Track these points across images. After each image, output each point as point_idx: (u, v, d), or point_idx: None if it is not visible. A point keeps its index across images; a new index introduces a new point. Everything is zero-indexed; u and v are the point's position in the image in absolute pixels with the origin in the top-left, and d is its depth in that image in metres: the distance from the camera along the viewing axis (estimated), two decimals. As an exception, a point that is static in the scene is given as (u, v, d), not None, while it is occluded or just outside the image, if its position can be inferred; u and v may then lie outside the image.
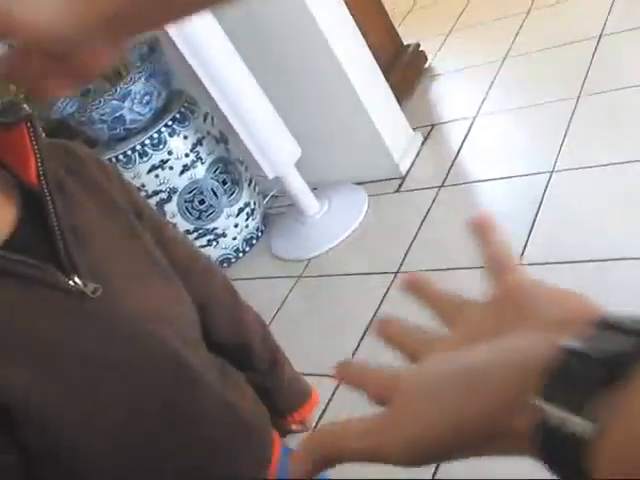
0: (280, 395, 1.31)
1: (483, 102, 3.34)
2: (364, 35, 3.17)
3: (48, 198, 0.93)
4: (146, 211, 1.13)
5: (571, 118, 2.93)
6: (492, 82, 3.44)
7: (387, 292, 2.67)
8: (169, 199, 3.03)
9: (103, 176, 1.06)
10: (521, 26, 3.71)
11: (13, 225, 0.92)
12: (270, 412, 1.25)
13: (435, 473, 2.03)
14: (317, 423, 2.36)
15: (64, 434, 0.92)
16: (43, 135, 0.98)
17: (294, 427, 1.37)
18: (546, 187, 2.69)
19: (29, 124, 0.93)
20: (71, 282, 0.91)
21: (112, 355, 0.95)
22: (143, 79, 2.92)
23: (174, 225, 3.11)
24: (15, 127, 0.93)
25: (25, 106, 0.93)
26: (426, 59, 3.87)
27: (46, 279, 0.90)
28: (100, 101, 2.89)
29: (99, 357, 0.94)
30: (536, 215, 2.60)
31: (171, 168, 2.99)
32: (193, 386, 1.04)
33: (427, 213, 2.91)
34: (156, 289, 1.05)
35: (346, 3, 3.09)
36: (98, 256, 0.97)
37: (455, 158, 3.11)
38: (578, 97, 3.01)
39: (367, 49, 3.17)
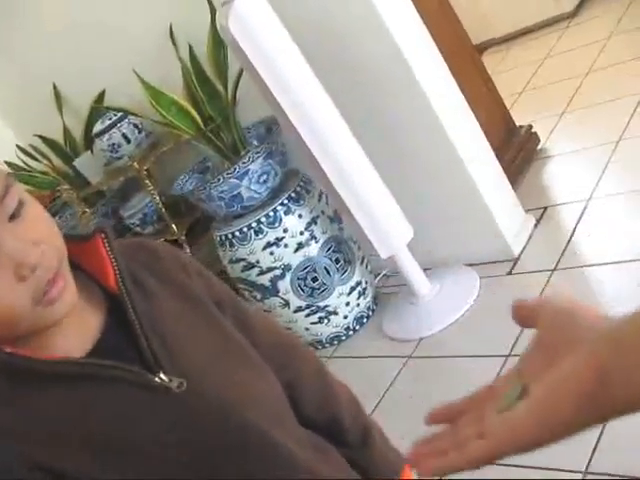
0: (374, 467, 1.31)
1: (597, 185, 3.32)
2: (476, 116, 3.20)
3: (128, 303, 0.99)
4: (226, 298, 1.17)
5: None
6: (606, 165, 3.41)
7: (498, 375, 2.64)
8: (283, 276, 3.09)
9: (180, 270, 1.12)
10: (635, 108, 3.68)
11: (100, 331, 0.98)
12: None
13: None
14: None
15: None
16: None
17: None
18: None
19: (103, 234, 1.01)
20: (157, 379, 0.96)
21: (203, 445, 0.97)
22: (261, 159, 3.01)
23: (286, 303, 3.16)
24: (92, 238, 1.01)
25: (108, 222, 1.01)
26: (539, 141, 3.87)
27: (134, 379, 0.95)
28: (219, 179, 2.99)
29: (191, 449, 0.96)
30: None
31: (286, 246, 3.05)
32: (285, 466, 1.05)
33: (539, 295, 2.89)
34: (238, 372, 1.07)
35: (459, 85, 3.13)
36: (180, 350, 1.01)
37: (568, 241, 3.09)
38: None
39: (479, 130, 3.19)
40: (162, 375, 0.96)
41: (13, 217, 0.88)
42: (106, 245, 1.00)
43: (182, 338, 1.04)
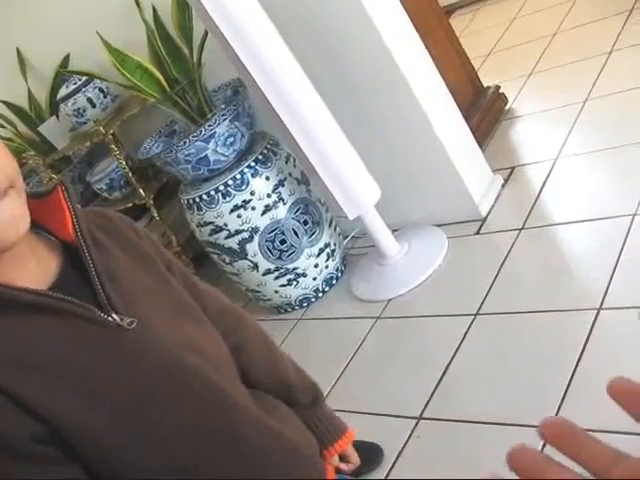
0: (321, 428, 1.40)
1: (564, 144, 3.33)
2: (444, 78, 3.19)
3: (85, 248, 1.07)
4: (175, 264, 1.27)
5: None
6: (573, 124, 3.43)
7: (466, 334, 2.67)
8: (251, 239, 3.08)
9: (134, 234, 1.21)
10: (602, 68, 3.69)
11: (57, 273, 1.07)
12: None
13: None
14: (389, 471, 2.37)
15: (112, 453, 1.03)
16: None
17: (342, 466, 1.45)
18: (628, 230, 2.66)
19: (63, 186, 1.09)
20: (110, 318, 1.05)
21: (149, 381, 1.06)
22: (227, 121, 2.99)
23: (254, 265, 3.16)
24: (51, 194, 1.09)
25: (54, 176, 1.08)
26: (506, 101, 3.87)
27: (88, 316, 1.03)
28: (185, 142, 2.96)
29: (137, 383, 1.05)
30: (618, 258, 2.57)
31: (253, 208, 3.04)
32: (229, 410, 1.15)
33: (507, 255, 2.90)
34: (188, 327, 1.17)
35: (427, 47, 3.12)
36: (132, 297, 1.11)
37: (535, 201, 3.10)
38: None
39: (447, 91, 3.19)
40: (114, 315, 1.05)
41: None
42: (65, 196, 1.08)
43: (135, 288, 1.13)
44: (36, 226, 1.07)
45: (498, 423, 2.28)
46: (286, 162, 3.17)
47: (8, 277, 1.01)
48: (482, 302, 2.75)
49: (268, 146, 3.15)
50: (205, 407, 1.11)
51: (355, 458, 1.47)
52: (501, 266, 2.87)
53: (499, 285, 2.79)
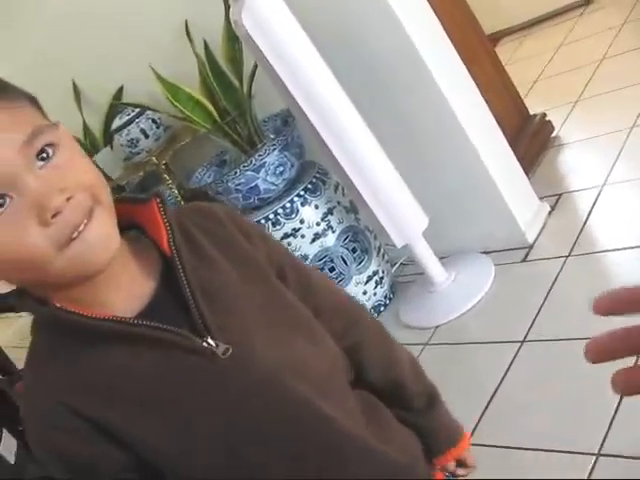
0: (436, 433, 1.33)
1: (610, 172, 3.34)
2: (490, 105, 3.23)
3: (179, 265, 1.01)
4: (289, 263, 1.19)
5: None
6: (620, 151, 3.43)
7: (513, 361, 2.68)
8: (300, 266, 3.13)
9: (242, 235, 1.12)
10: (649, 94, 3.70)
11: (151, 293, 1.02)
12: (426, 450, 1.30)
13: None
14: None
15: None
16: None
17: (459, 472, 1.39)
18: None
19: (158, 198, 1.03)
20: (204, 344, 0.99)
21: (243, 411, 1.01)
22: (277, 151, 3.05)
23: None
24: (148, 201, 1.03)
25: (163, 185, 1.07)
26: (553, 129, 3.89)
27: (181, 342, 0.98)
28: (236, 172, 3.03)
29: (230, 413, 1.01)
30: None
31: (302, 236, 3.10)
32: (333, 436, 1.08)
33: (554, 283, 2.91)
34: (292, 343, 1.09)
35: (472, 75, 3.16)
36: (231, 316, 1.04)
37: (582, 228, 3.11)
38: None
39: (493, 120, 3.22)
40: (209, 340, 0.99)
41: (44, 159, 0.89)
42: (160, 209, 1.02)
43: (235, 304, 1.06)
44: (135, 228, 1.04)
45: (544, 449, 2.29)
46: (335, 191, 3.22)
47: (99, 299, 0.98)
48: (529, 329, 2.77)
49: (317, 175, 3.21)
50: (304, 436, 1.06)
51: (471, 461, 1.39)
52: (548, 293, 2.88)
53: (546, 312, 2.81)
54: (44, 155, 0.88)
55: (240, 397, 1.01)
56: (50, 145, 0.89)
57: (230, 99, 3.18)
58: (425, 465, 1.29)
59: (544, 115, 3.88)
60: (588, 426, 2.26)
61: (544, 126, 3.84)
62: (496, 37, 5.51)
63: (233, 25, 2.89)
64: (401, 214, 2.96)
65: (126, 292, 1.00)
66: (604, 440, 2.17)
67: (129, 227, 1.04)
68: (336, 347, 1.18)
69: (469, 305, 3.07)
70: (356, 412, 1.16)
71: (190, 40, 3.25)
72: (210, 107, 3.16)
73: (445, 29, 3.07)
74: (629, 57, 4.19)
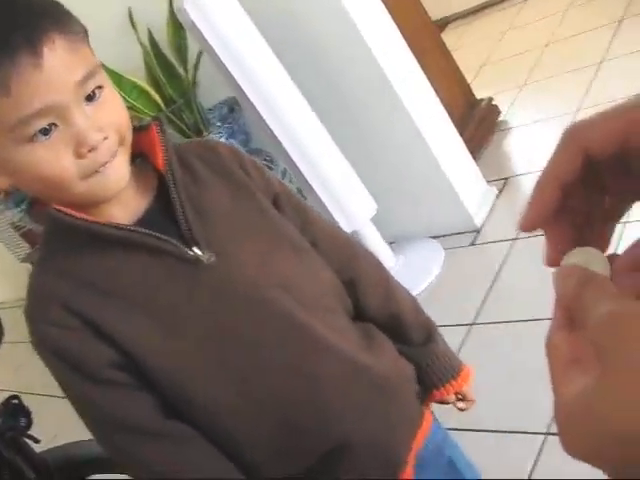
0: (435, 366, 1.35)
1: (556, 154, 3.37)
2: (436, 90, 3.24)
3: (171, 180, 1.10)
4: (288, 198, 1.26)
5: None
6: (565, 134, 3.46)
7: (463, 344, 2.70)
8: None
9: (238, 166, 1.21)
10: (593, 78, 3.74)
11: (147, 206, 1.11)
12: (424, 384, 1.34)
13: None
14: None
15: (185, 383, 1.08)
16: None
17: (460, 405, 1.43)
18: (621, 235, 2.69)
19: (157, 122, 1.13)
20: (190, 252, 1.08)
21: (225, 316, 1.09)
22: (223, 139, 3.04)
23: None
24: (147, 129, 1.12)
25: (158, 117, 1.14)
26: (499, 113, 3.91)
27: (168, 249, 1.07)
28: (182, 161, 3.01)
29: (213, 318, 1.09)
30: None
31: (250, 224, 3.08)
32: (314, 349, 1.14)
33: (502, 265, 2.94)
34: (280, 262, 1.17)
35: (418, 60, 3.17)
36: (222, 231, 1.13)
37: (529, 210, 3.14)
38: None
39: (440, 105, 3.23)
40: (195, 249, 1.09)
41: (90, 99, 0.99)
42: (158, 131, 1.12)
43: (226, 222, 1.15)
44: (138, 155, 1.12)
45: (498, 431, 2.31)
46: (282, 178, 3.21)
47: (104, 210, 1.07)
48: (478, 312, 2.79)
49: (264, 162, 3.19)
50: (285, 346, 1.12)
51: (471, 395, 1.43)
52: (496, 276, 2.90)
53: (495, 295, 2.83)
54: (91, 95, 0.99)
55: (225, 303, 1.09)
56: (98, 88, 1.00)
57: (175, 87, 3.16)
58: (415, 391, 1.32)
59: (490, 99, 3.90)
60: (537, 406, 2.29)
61: (490, 110, 3.87)
62: (443, 23, 5.54)
63: (177, 13, 2.87)
64: (349, 200, 2.96)
65: (123, 205, 1.09)
66: (552, 420, 2.20)
67: (134, 154, 1.11)
68: (331, 274, 1.25)
69: (419, 289, 3.08)
70: (349, 333, 1.22)
71: (134, 28, 3.22)
72: (155, 95, 3.14)
73: (392, 16, 3.08)
74: (574, 41, 4.22)
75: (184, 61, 3.12)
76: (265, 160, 3.20)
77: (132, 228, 1.07)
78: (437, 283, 3.09)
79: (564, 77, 3.97)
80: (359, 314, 1.28)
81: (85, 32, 1.04)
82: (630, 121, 0.46)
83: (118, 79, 3.13)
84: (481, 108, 3.83)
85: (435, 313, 2.89)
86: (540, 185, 0.51)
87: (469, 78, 4.02)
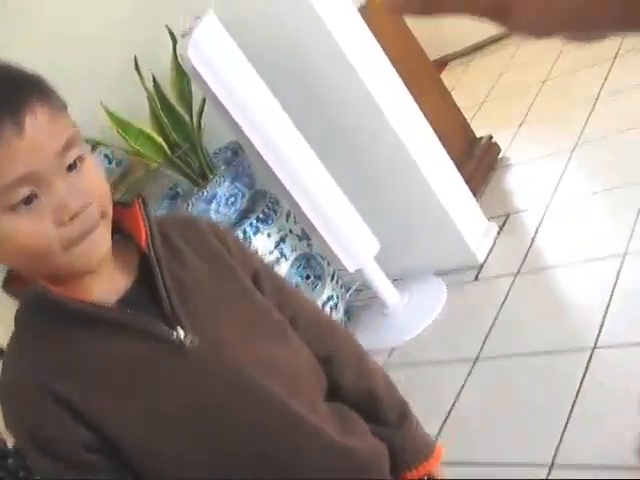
0: (408, 448, 1.34)
1: (555, 190, 3.42)
2: (436, 129, 3.30)
3: (154, 259, 1.10)
4: (267, 275, 1.27)
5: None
6: (564, 170, 3.52)
7: (467, 379, 2.74)
8: (255, 295, 3.15)
9: (220, 244, 1.21)
10: (589, 114, 3.80)
11: (129, 284, 1.10)
12: (397, 465, 1.32)
13: None
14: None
15: (156, 466, 1.06)
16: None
17: None
18: (619, 270, 2.74)
19: (141, 199, 1.13)
20: (174, 333, 1.07)
21: (206, 398, 1.08)
22: (228, 182, 3.09)
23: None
24: (132, 204, 1.13)
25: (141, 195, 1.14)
26: (499, 150, 3.97)
27: (150, 330, 1.06)
28: (188, 204, 3.06)
29: (194, 399, 1.07)
30: (610, 297, 2.65)
31: (256, 266, 3.12)
32: (294, 430, 1.13)
33: (504, 300, 2.98)
34: (261, 341, 1.16)
35: (417, 100, 3.23)
36: (204, 311, 1.12)
37: (530, 246, 3.19)
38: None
39: (439, 144, 3.29)
40: (179, 330, 1.08)
41: (70, 168, 1.00)
42: (141, 208, 1.12)
43: (207, 302, 1.14)
44: (119, 232, 1.11)
45: (502, 464, 2.34)
46: (287, 219, 3.26)
47: (84, 287, 1.06)
48: (482, 347, 2.83)
49: (269, 204, 3.24)
50: (266, 427, 1.11)
51: (441, 476, 1.41)
52: (499, 311, 2.94)
53: (498, 330, 2.86)
54: (72, 165, 1.00)
55: (206, 385, 1.08)
56: (79, 158, 1.01)
57: (180, 132, 3.22)
58: (388, 471, 1.31)
59: (490, 137, 3.96)
60: (541, 438, 2.32)
61: (490, 148, 3.92)
62: (443, 61, 5.62)
63: (180, 60, 2.94)
64: (352, 240, 3.00)
65: (105, 284, 1.08)
66: (556, 451, 2.23)
67: (116, 229, 1.10)
68: (309, 353, 1.23)
69: (423, 326, 3.12)
70: (327, 415, 1.20)
71: (139, 76, 3.29)
72: (161, 141, 3.20)
73: (389, 57, 3.15)
74: (571, 77, 4.29)
75: (188, 107, 3.18)
76: (270, 202, 3.25)
77: (112, 307, 1.06)
78: (441, 320, 3.12)
79: (562, 113, 4.04)
80: (334, 392, 1.27)
81: (65, 106, 1.06)
82: None
83: (124, 126, 3.19)
84: (481, 146, 3.88)
85: (440, 349, 2.97)
86: None
87: (469, 116, 4.09)
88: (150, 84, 3.25)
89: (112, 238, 1.07)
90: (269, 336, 1.18)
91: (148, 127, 3.23)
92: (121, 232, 1.13)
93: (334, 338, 1.33)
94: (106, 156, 3.76)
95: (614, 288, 2.68)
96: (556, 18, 0.47)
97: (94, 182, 1.03)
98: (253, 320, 1.18)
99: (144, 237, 1.11)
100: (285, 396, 1.12)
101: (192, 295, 1.12)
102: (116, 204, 1.09)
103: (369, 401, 1.32)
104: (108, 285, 1.08)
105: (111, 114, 3.23)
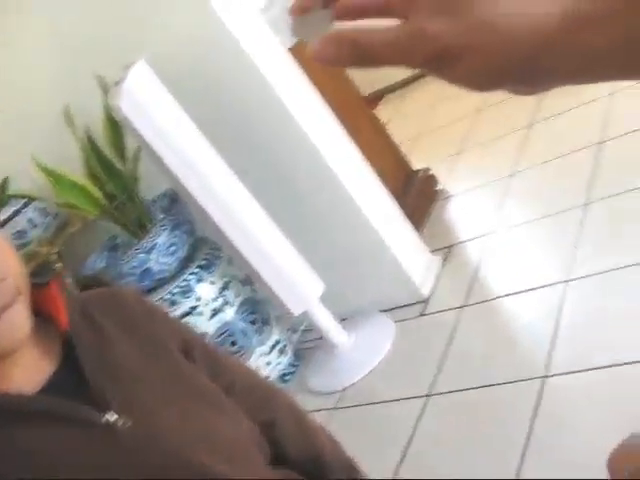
0: None
1: (496, 219, 3.44)
2: (372, 165, 3.29)
3: (76, 341, 1.04)
4: (196, 343, 1.22)
5: (582, 225, 3.01)
6: (503, 198, 3.55)
7: (421, 416, 2.71)
8: (201, 344, 3.11)
9: (146, 317, 1.17)
10: (523, 142, 3.84)
11: (53, 370, 1.04)
12: None
13: None
14: None
15: None
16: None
17: None
18: (563, 296, 2.75)
19: (57, 281, 1.08)
20: (104, 418, 1.00)
21: (144, 478, 1.01)
22: (167, 231, 3.05)
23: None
24: (49, 283, 1.08)
25: (57, 265, 1.10)
26: (437, 182, 3.98)
27: (79, 416, 1.00)
28: (128, 256, 3.01)
29: None
30: (557, 325, 2.65)
31: (201, 314, 3.08)
32: None
33: (452, 334, 2.97)
34: (200, 419, 1.11)
35: (353, 137, 3.23)
36: (135, 392, 1.07)
37: (474, 277, 3.19)
38: (586, 204, 3.10)
39: (377, 180, 3.29)
40: (110, 414, 1.01)
41: None
42: (60, 288, 1.08)
43: (138, 381, 1.09)
44: (38, 314, 1.05)
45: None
46: (229, 265, 3.22)
47: (3, 375, 1.00)
48: (433, 382, 2.81)
49: (210, 251, 3.21)
50: None
51: None
52: (448, 345, 2.93)
53: (448, 363, 2.85)
54: None
55: (143, 466, 1.02)
56: None
57: (116, 183, 3.17)
58: None
59: (427, 169, 3.98)
60: (498, 469, 2.31)
61: (428, 180, 3.94)
62: (379, 95, 5.65)
63: (112, 110, 2.90)
64: (296, 282, 2.98)
65: (27, 371, 1.02)
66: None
67: (35, 312, 1.05)
68: (248, 421, 1.19)
69: (373, 365, 3.09)
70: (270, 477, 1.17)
71: (71, 126, 3.24)
72: (96, 192, 3.14)
73: (324, 97, 3.15)
74: (504, 107, 4.34)
75: (123, 156, 3.14)
76: (211, 248, 3.21)
77: (40, 397, 1.01)
78: (390, 357, 3.10)
79: (497, 142, 4.07)
80: (278, 458, 1.24)
81: None
82: None
83: (58, 178, 3.13)
84: (419, 179, 3.90)
85: (391, 387, 2.94)
86: None
87: (405, 149, 4.10)
88: (83, 134, 3.20)
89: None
90: (204, 409, 1.13)
91: (83, 179, 3.18)
92: (41, 315, 1.06)
93: (274, 402, 1.31)
94: (41, 210, 3.69)
95: (559, 315, 2.69)
96: (508, 69, 0.46)
97: (5, 258, 0.98)
98: (187, 396, 1.13)
99: (64, 318, 1.06)
100: (225, 470, 1.07)
101: (121, 375, 1.07)
102: (32, 285, 1.04)
103: (315, 463, 1.29)
104: (30, 372, 1.02)
105: (43, 167, 3.17)
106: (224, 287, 3.15)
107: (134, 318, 1.15)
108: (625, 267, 2.68)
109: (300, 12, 0.53)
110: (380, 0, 0.50)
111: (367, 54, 0.48)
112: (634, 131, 3.31)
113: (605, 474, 0.60)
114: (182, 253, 3.13)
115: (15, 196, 3.65)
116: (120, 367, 1.08)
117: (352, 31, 0.49)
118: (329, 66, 0.51)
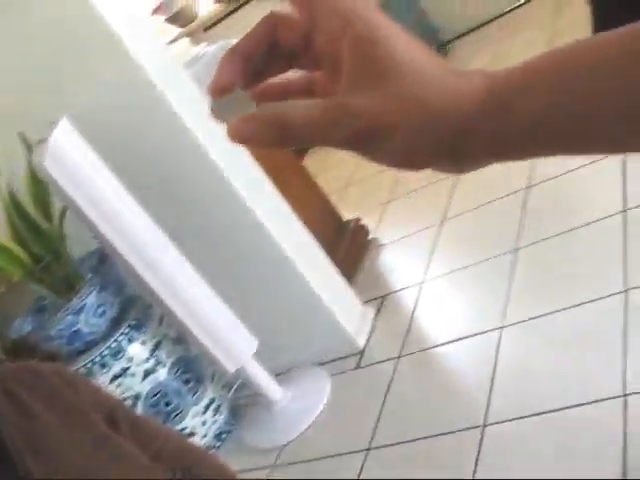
0: None
1: (427, 267, 3.45)
2: (302, 217, 3.28)
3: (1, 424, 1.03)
4: (120, 413, 1.21)
5: (513, 270, 3.03)
6: (434, 246, 3.56)
7: (361, 471, 2.68)
8: (134, 405, 3.04)
9: (66, 387, 1.15)
10: (452, 189, 3.87)
11: None
12: None
13: None
14: None
15: None
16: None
17: None
18: (498, 342, 2.76)
19: None
20: None
21: None
22: (96, 292, 2.98)
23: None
24: None
25: None
26: (368, 232, 3.98)
27: None
28: (55, 318, 2.93)
29: None
30: (494, 371, 2.65)
31: (133, 375, 3.01)
32: None
33: (389, 385, 2.95)
34: None
35: (281, 190, 3.21)
36: (58, 465, 1.06)
37: (409, 327, 3.18)
38: (516, 249, 3.13)
39: (306, 232, 3.27)
40: None
41: None
42: None
43: (61, 453, 1.07)
44: None
45: None
46: (160, 324, 3.16)
47: None
48: (372, 436, 2.78)
49: (141, 310, 3.14)
50: None
51: None
52: (385, 397, 2.91)
53: (386, 416, 2.83)
54: None
55: None
56: None
57: (41, 243, 3.09)
58: None
59: (358, 219, 3.98)
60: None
61: (359, 231, 3.94)
62: (303, 149, 5.66)
63: (36, 169, 2.84)
64: (229, 340, 2.93)
65: None
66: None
67: None
68: None
69: (310, 420, 3.05)
70: None
71: (-6, 186, 3.16)
72: (21, 254, 3.06)
73: (251, 151, 3.13)
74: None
75: (48, 215, 3.07)
76: (141, 307, 3.15)
77: None
78: (328, 411, 3.07)
79: (426, 189, 4.09)
80: None
81: None
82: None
83: (-20, 241, 3.06)
84: (350, 229, 3.89)
85: (329, 442, 2.90)
86: (228, 56, 0.53)
87: (334, 200, 4.09)
88: (5, 195, 3.12)
89: None
90: (128, 477, 1.13)
91: (6, 239, 3.09)
92: None
93: (203, 466, 1.30)
94: (-37, 272, 3.59)
95: (496, 362, 2.69)
96: (437, 146, 0.46)
97: None
98: (111, 465, 1.12)
99: None
100: None
101: (43, 448, 1.06)
102: None
103: None
104: None
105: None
106: (156, 347, 3.09)
107: (54, 390, 1.14)
108: (556, 312, 2.71)
109: (219, 93, 0.52)
110: (302, 80, 0.51)
111: (289, 134, 0.48)
112: (562, 174, 3.36)
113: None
114: (112, 313, 3.07)
115: None
116: (44, 442, 1.07)
117: (273, 109, 0.49)
118: (249, 145, 0.50)
